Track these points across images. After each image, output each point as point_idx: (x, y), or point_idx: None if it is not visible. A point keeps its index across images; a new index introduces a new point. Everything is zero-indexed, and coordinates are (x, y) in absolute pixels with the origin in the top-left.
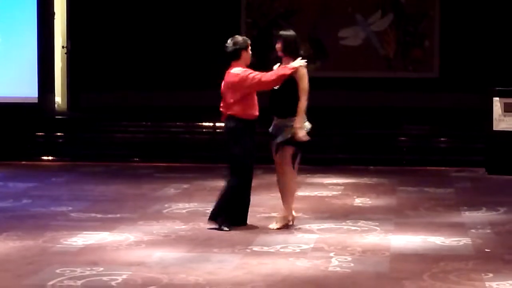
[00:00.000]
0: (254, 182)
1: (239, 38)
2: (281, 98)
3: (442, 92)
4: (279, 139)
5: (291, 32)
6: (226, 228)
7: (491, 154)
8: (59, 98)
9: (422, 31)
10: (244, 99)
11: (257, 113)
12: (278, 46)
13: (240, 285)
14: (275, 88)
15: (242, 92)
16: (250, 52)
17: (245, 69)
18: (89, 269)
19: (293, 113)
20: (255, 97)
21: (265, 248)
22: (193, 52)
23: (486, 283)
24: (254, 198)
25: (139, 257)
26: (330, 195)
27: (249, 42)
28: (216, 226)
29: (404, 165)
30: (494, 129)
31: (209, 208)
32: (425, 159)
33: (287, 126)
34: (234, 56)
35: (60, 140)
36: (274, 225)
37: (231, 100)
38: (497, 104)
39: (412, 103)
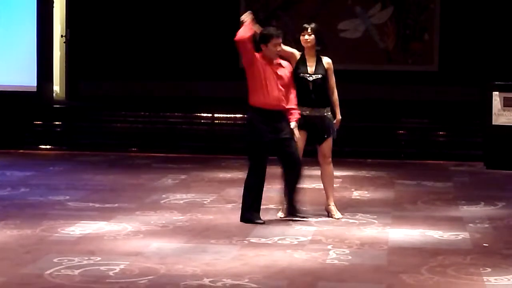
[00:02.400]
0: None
1: (266, 30)
2: (322, 88)
3: (441, 86)
4: (334, 133)
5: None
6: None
7: (489, 148)
8: (57, 87)
9: (422, 24)
10: None
11: None
12: (311, 38)
13: (237, 276)
14: (316, 78)
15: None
16: (273, 48)
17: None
18: (86, 258)
19: (328, 103)
20: None
21: (263, 240)
22: (192, 42)
23: (484, 277)
24: None
25: (137, 247)
26: None
27: (273, 36)
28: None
29: (402, 159)
30: (493, 123)
31: (207, 198)
32: (423, 153)
33: (326, 116)
34: (257, 48)
35: (58, 129)
36: (339, 215)
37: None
38: (496, 98)
39: (411, 96)
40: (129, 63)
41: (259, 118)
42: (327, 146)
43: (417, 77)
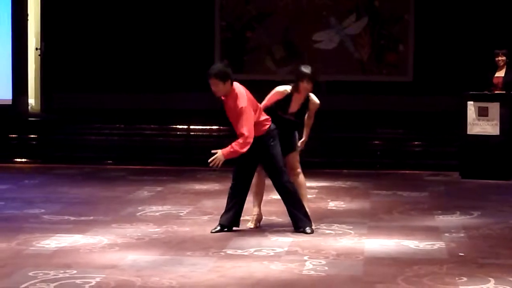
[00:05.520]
0: (224, 186)
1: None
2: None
3: (416, 96)
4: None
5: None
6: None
7: (465, 158)
8: (32, 100)
9: (396, 35)
10: None
11: None
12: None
13: None
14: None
15: None
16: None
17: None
18: (62, 271)
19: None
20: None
21: (239, 251)
22: (167, 54)
23: (460, 287)
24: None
25: (113, 260)
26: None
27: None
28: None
29: (378, 169)
30: (468, 133)
31: (183, 210)
32: (399, 163)
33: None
34: None
35: (33, 142)
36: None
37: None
38: (471, 108)
39: (386, 107)
40: (104, 75)
41: None
42: (292, 158)
43: (391, 87)
